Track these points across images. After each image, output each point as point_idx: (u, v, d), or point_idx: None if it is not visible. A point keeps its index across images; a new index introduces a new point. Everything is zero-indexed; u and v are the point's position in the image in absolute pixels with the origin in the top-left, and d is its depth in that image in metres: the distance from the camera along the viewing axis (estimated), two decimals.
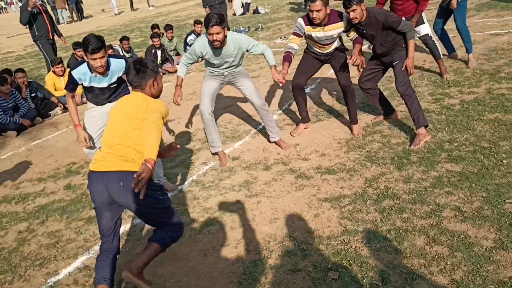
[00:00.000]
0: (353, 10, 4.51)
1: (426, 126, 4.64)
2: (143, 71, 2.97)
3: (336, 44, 4.97)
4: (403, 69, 4.70)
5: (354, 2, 4.47)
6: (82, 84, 4.22)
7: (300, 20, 4.83)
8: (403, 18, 5.07)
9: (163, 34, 10.58)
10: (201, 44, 4.52)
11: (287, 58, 4.84)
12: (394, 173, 4.15)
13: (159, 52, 9.84)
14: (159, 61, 9.82)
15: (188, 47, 10.61)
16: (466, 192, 3.66)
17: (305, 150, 4.94)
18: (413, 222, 3.42)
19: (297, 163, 4.68)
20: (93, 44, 3.86)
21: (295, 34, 4.91)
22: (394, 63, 4.79)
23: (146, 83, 2.98)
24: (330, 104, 6.17)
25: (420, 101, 5.46)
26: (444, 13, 6.64)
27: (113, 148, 2.83)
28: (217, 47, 4.41)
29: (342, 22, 4.72)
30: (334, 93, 6.49)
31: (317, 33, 4.79)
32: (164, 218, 2.98)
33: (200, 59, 4.70)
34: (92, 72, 4.15)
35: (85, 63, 4.14)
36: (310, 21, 4.74)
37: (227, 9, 11.56)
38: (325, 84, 6.95)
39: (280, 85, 4.62)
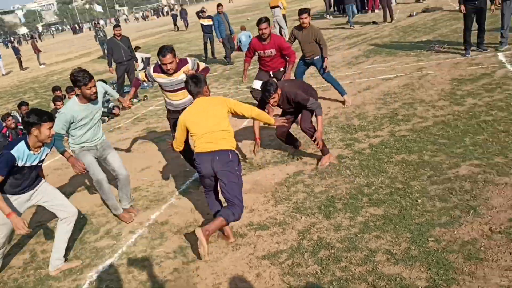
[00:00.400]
0: (273, 98, 5.04)
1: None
2: (200, 81, 4.32)
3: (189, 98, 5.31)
4: (313, 139, 5.43)
5: (273, 92, 5.03)
6: (17, 165, 3.95)
7: (150, 69, 5.38)
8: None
9: (65, 96, 10.24)
10: (69, 108, 4.69)
11: (135, 83, 5.63)
12: (324, 222, 4.34)
13: None
14: None
15: None
16: (392, 234, 3.93)
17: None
18: (351, 270, 3.60)
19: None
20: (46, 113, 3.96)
21: (145, 73, 5.49)
22: (303, 109, 5.48)
23: (203, 90, 4.33)
24: (247, 156, 6.32)
25: (333, 147, 5.85)
26: (306, 65, 7.74)
27: (212, 134, 4.10)
28: (94, 98, 4.68)
29: (188, 64, 5.34)
30: (250, 144, 6.68)
31: (165, 79, 5.28)
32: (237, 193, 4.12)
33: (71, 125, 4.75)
34: (30, 150, 3.97)
35: (23, 140, 3.96)
36: (161, 70, 5.24)
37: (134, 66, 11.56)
38: (238, 136, 7.13)
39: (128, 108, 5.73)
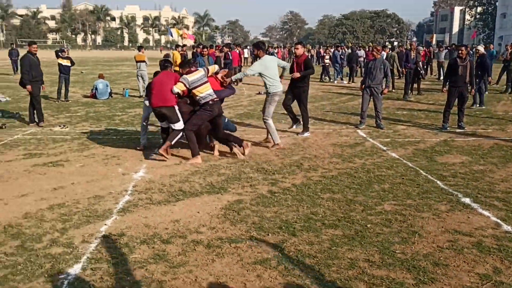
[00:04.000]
0: None
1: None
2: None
3: None
4: None
5: None
6: None
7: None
8: None
9: None
10: None
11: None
12: (293, 239, 4.68)
13: None
14: None
15: None
16: (361, 248, 4.48)
17: (191, 225, 5.00)
18: (344, 273, 4.00)
19: (194, 236, 4.72)
20: None
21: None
22: None
23: None
24: (180, 186, 6.33)
25: (259, 184, 6.30)
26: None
27: None
28: None
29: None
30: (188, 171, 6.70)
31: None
32: None
33: None
34: None
35: None
36: None
37: None
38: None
39: None
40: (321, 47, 54.90)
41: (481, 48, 15.99)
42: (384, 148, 8.80)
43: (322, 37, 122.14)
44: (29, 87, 10.54)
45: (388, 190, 6.26)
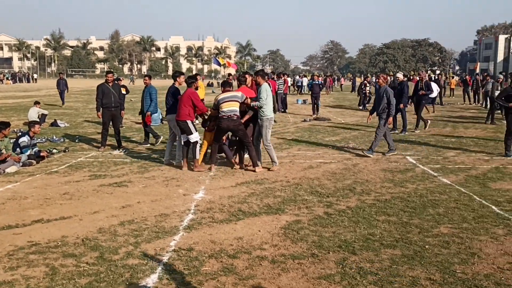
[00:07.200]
0: None
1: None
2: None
3: None
4: None
5: None
6: None
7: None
8: None
9: None
10: None
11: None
12: (353, 257, 4.85)
13: None
14: None
15: (18, 149, 9.67)
16: (422, 268, 4.60)
17: (254, 242, 5.26)
18: None
19: (258, 252, 4.96)
20: None
21: None
22: None
23: None
24: (239, 203, 6.62)
25: (314, 206, 6.48)
26: None
27: None
28: None
29: None
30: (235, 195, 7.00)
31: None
32: None
33: None
34: None
35: None
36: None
37: None
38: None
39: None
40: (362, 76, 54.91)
41: (400, 75, 16.57)
42: (435, 174, 8.85)
43: (362, 66, 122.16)
44: (99, 113, 11.29)
45: (443, 214, 6.34)
